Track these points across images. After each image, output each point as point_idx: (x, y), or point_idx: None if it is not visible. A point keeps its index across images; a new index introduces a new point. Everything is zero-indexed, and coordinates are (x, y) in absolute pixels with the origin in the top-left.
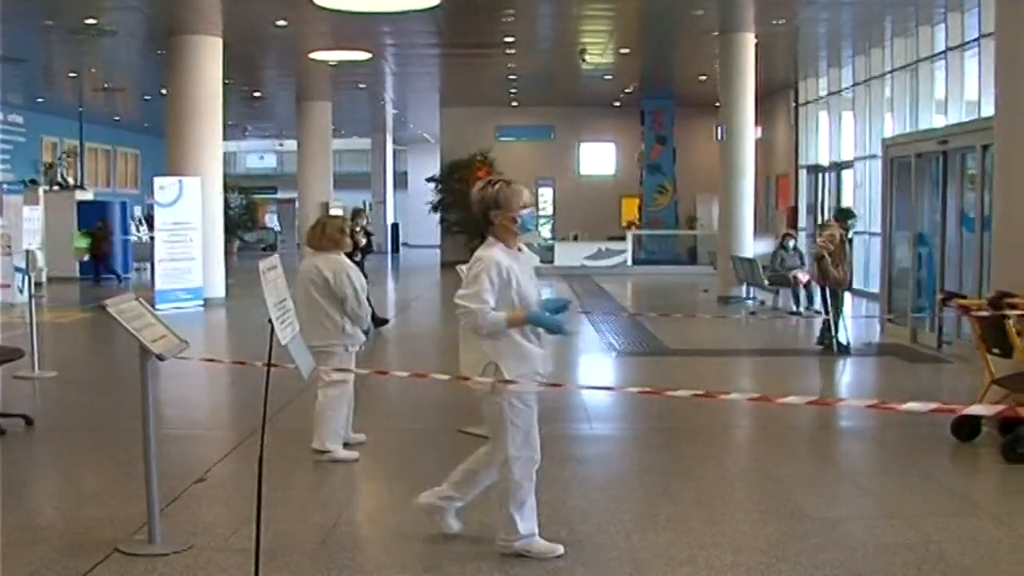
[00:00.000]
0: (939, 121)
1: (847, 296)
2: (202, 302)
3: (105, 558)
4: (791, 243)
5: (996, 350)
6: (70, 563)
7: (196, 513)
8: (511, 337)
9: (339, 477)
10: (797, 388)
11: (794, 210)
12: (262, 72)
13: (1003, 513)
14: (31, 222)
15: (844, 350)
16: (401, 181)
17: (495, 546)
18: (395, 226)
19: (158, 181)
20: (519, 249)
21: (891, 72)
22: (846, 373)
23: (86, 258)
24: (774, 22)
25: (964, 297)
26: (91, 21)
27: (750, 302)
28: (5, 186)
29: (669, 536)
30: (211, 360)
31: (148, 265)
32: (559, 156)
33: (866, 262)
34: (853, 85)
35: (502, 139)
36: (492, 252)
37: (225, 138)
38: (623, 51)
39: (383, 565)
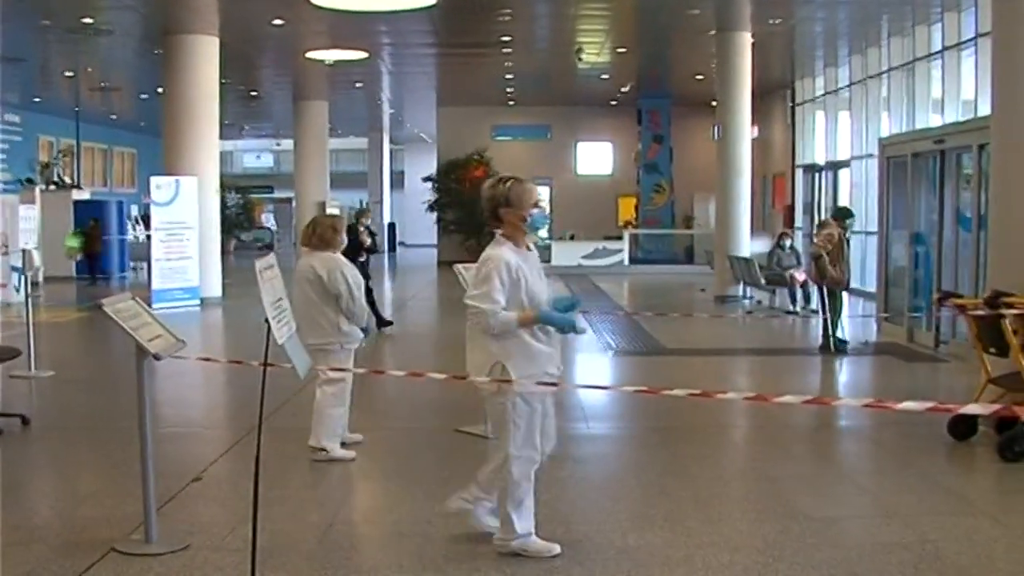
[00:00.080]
0: (936, 120)
1: (845, 296)
2: (199, 301)
3: (101, 557)
4: (788, 242)
5: (992, 349)
6: (66, 562)
7: (192, 512)
8: (520, 337)
9: (336, 476)
10: (794, 387)
11: (791, 209)
12: (259, 71)
13: (999, 512)
14: (27, 221)
15: (841, 349)
16: (398, 180)
17: (492, 545)
18: (392, 226)
19: (155, 180)
20: (528, 248)
21: (888, 71)
22: (843, 372)
23: (79, 257)
24: (771, 21)
25: (960, 296)
26: (88, 20)
27: (747, 301)
28: (2, 185)
29: (666, 535)
30: (208, 359)
31: (145, 264)
32: (556, 155)
33: (863, 261)
34: (850, 84)
35: (499, 138)
36: (501, 251)
37: (222, 137)
38: (620, 50)
39: (380, 564)
